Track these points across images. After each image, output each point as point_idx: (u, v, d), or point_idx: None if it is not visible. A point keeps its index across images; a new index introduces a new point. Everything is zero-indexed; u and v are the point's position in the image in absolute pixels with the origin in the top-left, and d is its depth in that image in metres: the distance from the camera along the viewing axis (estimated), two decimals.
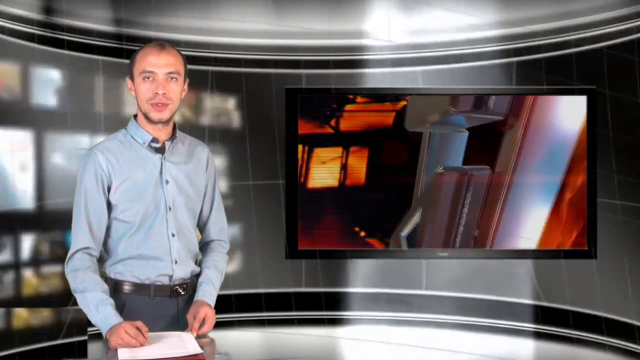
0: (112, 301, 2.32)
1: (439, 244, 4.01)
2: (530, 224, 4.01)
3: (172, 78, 2.39)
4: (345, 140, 4.01)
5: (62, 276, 3.70)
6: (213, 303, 2.47)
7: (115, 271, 2.44)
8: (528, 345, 4.13)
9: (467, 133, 3.95)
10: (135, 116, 2.47)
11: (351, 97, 4.03)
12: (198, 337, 2.34)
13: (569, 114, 3.99)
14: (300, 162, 4.00)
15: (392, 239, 4.00)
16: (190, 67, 2.50)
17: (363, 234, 4.03)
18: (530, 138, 3.96)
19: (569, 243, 4.01)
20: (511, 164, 3.97)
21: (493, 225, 3.99)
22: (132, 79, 2.42)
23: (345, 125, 4.01)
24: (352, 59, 4.15)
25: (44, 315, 3.98)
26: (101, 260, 2.47)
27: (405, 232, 3.99)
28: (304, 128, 4.00)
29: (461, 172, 3.96)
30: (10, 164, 3.97)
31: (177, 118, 2.50)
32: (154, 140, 2.43)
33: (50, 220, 4.00)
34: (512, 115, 3.95)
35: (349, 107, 4.02)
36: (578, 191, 3.99)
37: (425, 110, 3.97)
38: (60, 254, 3.99)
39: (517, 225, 4.01)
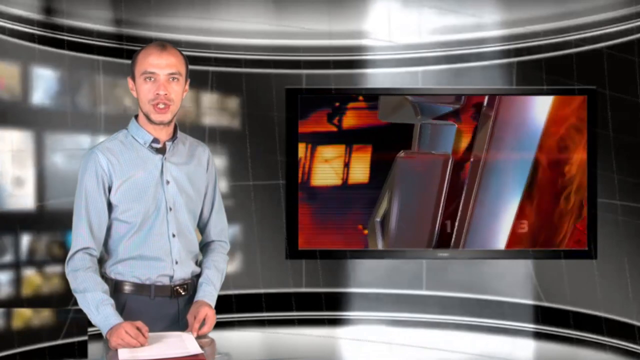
0: (112, 301, 2.32)
1: (408, 232, 4.00)
2: (504, 219, 4.02)
3: (173, 78, 2.39)
4: (348, 138, 4.01)
5: (62, 276, 3.71)
6: (213, 303, 2.47)
7: (116, 271, 2.44)
8: (528, 345, 4.13)
9: (454, 125, 3.95)
10: (136, 116, 2.47)
11: (354, 95, 4.03)
12: (198, 337, 2.34)
13: (535, 107, 3.99)
14: (303, 161, 4.00)
15: (368, 225, 4.00)
16: (190, 67, 2.50)
17: (366, 232, 4.03)
18: (500, 130, 3.96)
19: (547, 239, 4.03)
20: (483, 154, 3.98)
21: (466, 219, 4.01)
22: (133, 78, 2.42)
23: (348, 122, 4.01)
24: (352, 59, 4.15)
25: (44, 315, 3.98)
26: (101, 261, 2.47)
27: (379, 217, 3.99)
28: (306, 126, 4.00)
29: (422, 155, 3.96)
30: (10, 164, 3.96)
31: (177, 118, 2.49)
32: (155, 140, 2.43)
33: (50, 220, 3.99)
34: (486, 106, 3.96)
35: (351, 105, 4.02)
36: (547, 184, 3.99)
37: (394, 101, 3.97)
38: (60, 254, 3.99)
39: (491, 220, 4.02)
